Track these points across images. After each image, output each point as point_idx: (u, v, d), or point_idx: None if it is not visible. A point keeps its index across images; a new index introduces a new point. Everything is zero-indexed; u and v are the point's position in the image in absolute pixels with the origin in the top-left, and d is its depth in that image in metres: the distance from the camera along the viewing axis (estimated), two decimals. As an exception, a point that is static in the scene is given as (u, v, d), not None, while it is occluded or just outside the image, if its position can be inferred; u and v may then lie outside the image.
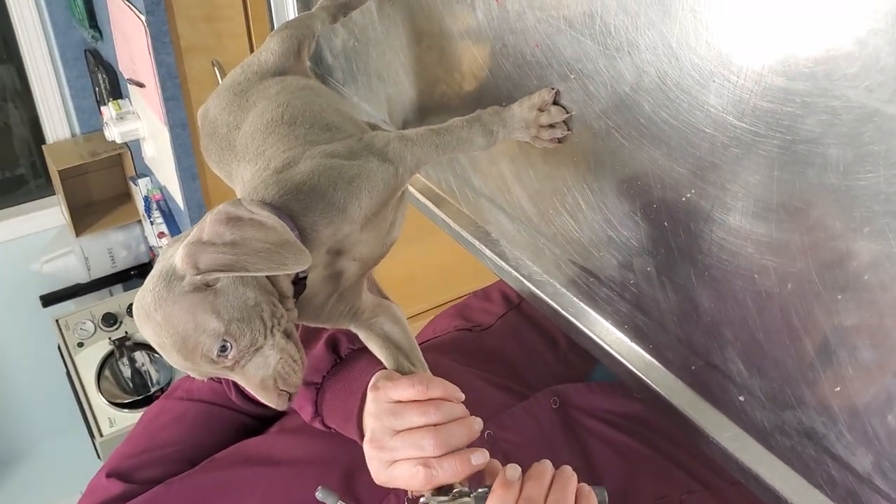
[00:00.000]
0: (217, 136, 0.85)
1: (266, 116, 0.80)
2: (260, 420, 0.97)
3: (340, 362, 0.88)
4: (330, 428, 0.85)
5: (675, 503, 0.94)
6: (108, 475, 0.89)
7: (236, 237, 0.61)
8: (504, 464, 0.73)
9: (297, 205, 0.68)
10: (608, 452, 0.95)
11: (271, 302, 0.65)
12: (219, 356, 0.63)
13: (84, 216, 2.81)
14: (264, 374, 0.65)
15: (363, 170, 0.72)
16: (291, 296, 0.69)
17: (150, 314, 0.62)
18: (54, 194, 2.88)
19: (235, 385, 0.93)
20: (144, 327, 0.64)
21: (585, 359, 1.08)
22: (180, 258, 0.61)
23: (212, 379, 0.95)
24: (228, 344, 0.62)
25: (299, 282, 0.70)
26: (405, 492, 0.76)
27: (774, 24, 0.58)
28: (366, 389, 0.80)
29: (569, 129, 0.81)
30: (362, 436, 0.79)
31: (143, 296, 0.63)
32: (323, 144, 0.75)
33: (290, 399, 0.66)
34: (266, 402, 0.66)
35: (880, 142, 0.55)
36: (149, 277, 0.64)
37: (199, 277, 0.61)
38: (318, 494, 0.75)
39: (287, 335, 0.66)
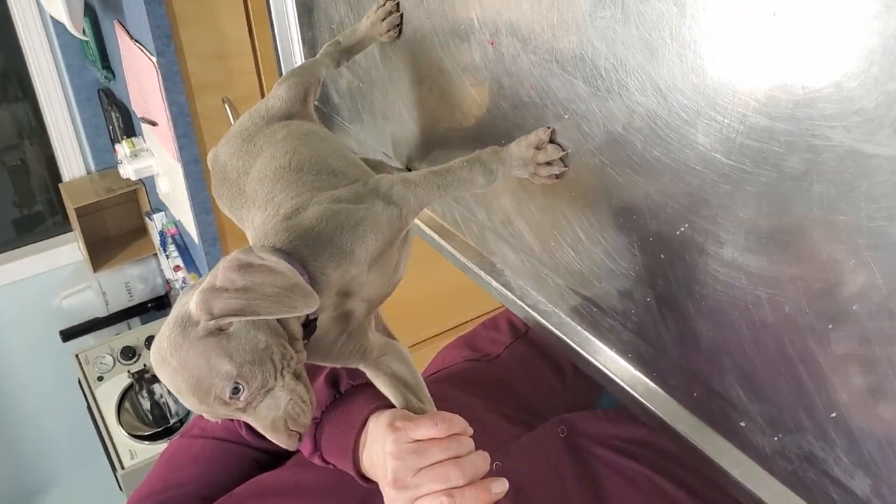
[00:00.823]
0: (228, 181, 0.89)
1: (274, 163, 0.84)
2: (273, 455, 0.99)
3: (339, 398, 0.90)
4: (328, 463, 0.87)
5: None
6: None
7: (248, 283, 0.64)
8: (514, 494, 0.75)
9: (305, 250, 0.72)
10: (617, 479, 0.97)
11: (282, 344, 0.68)
12: (231, 398, 0.65)
13: (101, 251, 2.86)
14: (275, 414, 0.67)
15: (369, 213, 0.75)
16: (301, 338, 0.71)
17: (166, 359, 0.65)
18: (71, 231, 2.93)
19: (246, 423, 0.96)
20: (161, 372, 0.67)
21: (592, 386, 1.10)
22: (195, 304, 0.64)
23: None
24: (240, 386, 0.65)
25: (310, 323, 0.73)
26: None
27: (756, 66, 0.61)
28: (363, 425, 0.82)
29: (566, 167, 0.83)
30: (358, 471, 0.81)
31: (160, 341, 0.66)
32: (329, 190, 0.78)
33: (300, 439, 0.69)
34: (277, 442, 0.68)
35: (860, 178, 0.57)
36: (165, 324, 0.67)
37: (212, 322, 0.64)
38: None
39: (297, 376, 0.69)
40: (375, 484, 0.80)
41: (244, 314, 0.63)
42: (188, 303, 0.66)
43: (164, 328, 0.67)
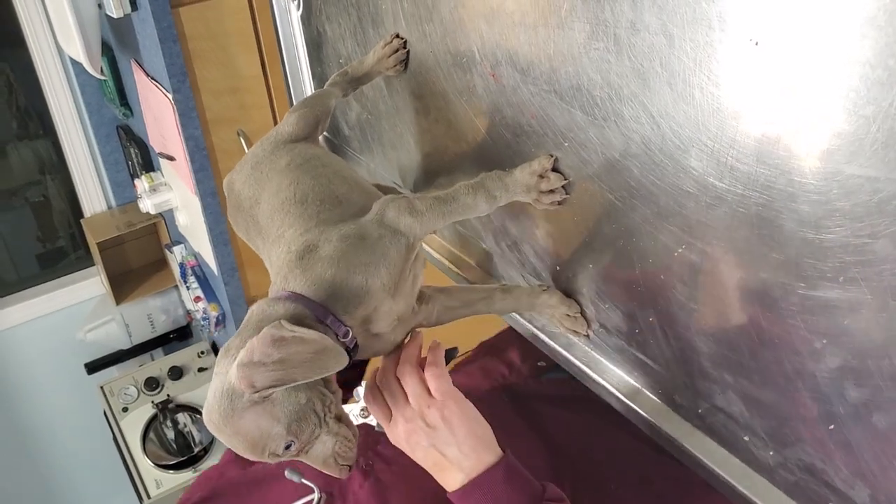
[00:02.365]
0: (242, 209, 0.94)
1: (280, 196, 0.88)
2: None
3: None
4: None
5: (624, 455, 1.05)
6: None
7: (283, 355, 0.69)
8: None
9: (325, 293, 0.77)
10: (561, 426, 1.04)
11: (320, 392, 0.75)
12: (284, 452, 0.73)
13: (123, 284, 2.91)
14: (325, 455, 0.75)
15: (377, 248, 0.80)
16: (334, 379, 0.78)
17: (220, 428, 0.73)
18: (94, 265, 2.99)
19: None
20: (217, 436, 0.74)
21: (539, 371, 1.16)
22: (237, 380, 0.69)
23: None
24: (292, 442, 0.73)
25: (350, 351, 0.79)
26: (364, 457, 0.95)
27: (741, 93, 0.63)
28: None
29: (567, 194, 0.86)
30: None
31: (211, 413, 0.73)
32: (336, 223, 0.82)
33: (350, 469, 0.76)
34: (330, 474, 0.76)
35: (844, 199, 0.59)
36: (212, 394, 0.73)
37: (256, 395, 0.70)
38: (287, 473, 0.92)
39: (338, 419, 0.76)
40: None
41: (284, 383, 0.69)
42: (229, 373, 0.71)
43: (212, 399, 0.73)
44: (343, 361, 0.71)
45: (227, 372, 0.71)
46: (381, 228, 0.81)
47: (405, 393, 0.85)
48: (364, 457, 0.96)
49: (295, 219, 0.84)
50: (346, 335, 0.77)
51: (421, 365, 0.86)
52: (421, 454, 0.85)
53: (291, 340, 0.69)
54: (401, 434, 0.85)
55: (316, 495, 0.92)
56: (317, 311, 0.75)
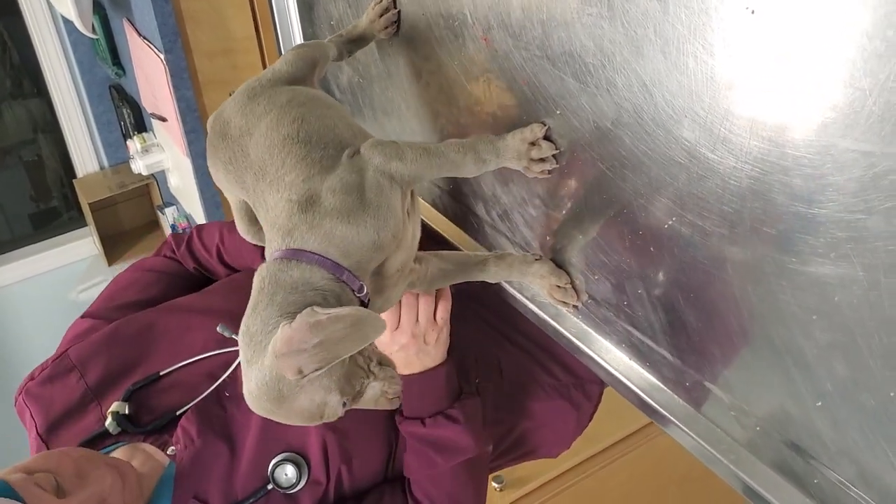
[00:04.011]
0: (228, 136, 0.89)
1: (282, 130, 0.84)
2: (198, 286, 1.19)
3: None
4: None
5: (493, 357, 1.20)
6: (83, 317, 1.13)
7: (321, 337, 0.68)
8: None
9: (336, 251, 0.76)
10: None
11: None
12: (342, 410, 0.73)
13: (115, 246, 2.90)
14: (375, 396, 0.76)
15: (381, 199, 0.79)
16: None
17: (273, 411, 0.72)
18: (86, 226, 2.97)
19: (192, 256, 1.23)
20: (268, 416, 0.74)
21: None
22: (282, 369, 0.69)
23: (165, 256, 1.24)
24: (346, 401, 0.73)
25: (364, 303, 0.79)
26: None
27: (736, 63, 0.61)
28: None
29: (557, 163, 0.84)
30: None
31: (259, 399, 0.72)
32: (337, 170, 0.81)
33: (399, 400, 0.78)
34: (384, 409, 0.78)
35: (838, 173, 0.58)
36: (254, 384, 0.72)
37: (305, 379, 0.69)
38: (219, 329, 0.99)
39: (380, 363, 0.77)
40: None
41: (330, 363, 0.69)
42: (266, 363, 0.70)
43: (257, 389, 0.71)
44: (381, 327, 0.71)
45: (260, 361, 0.71)
46: (379, 175, 0.80)
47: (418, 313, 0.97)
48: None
49: (297, 161, 0.81)
50: (360, 290, 0.77)
51: None
52: (402, 356, 0.99)
53: (327, 322, 0.68)
54: (400, 340, 0.98)
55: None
56: (333, 269, 0.75)
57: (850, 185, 0.57)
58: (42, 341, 3.04)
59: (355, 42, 1.06)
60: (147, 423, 0.96)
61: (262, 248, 1.09)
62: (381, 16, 1.03)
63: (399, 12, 1.03)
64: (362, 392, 0.75)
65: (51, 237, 3.02)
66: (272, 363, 0.69)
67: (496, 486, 1.91)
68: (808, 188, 0.61)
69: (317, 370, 0.68)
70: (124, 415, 0.95)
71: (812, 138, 0.58)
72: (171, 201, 2.69)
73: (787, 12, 0.57)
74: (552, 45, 0.78)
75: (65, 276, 2.99)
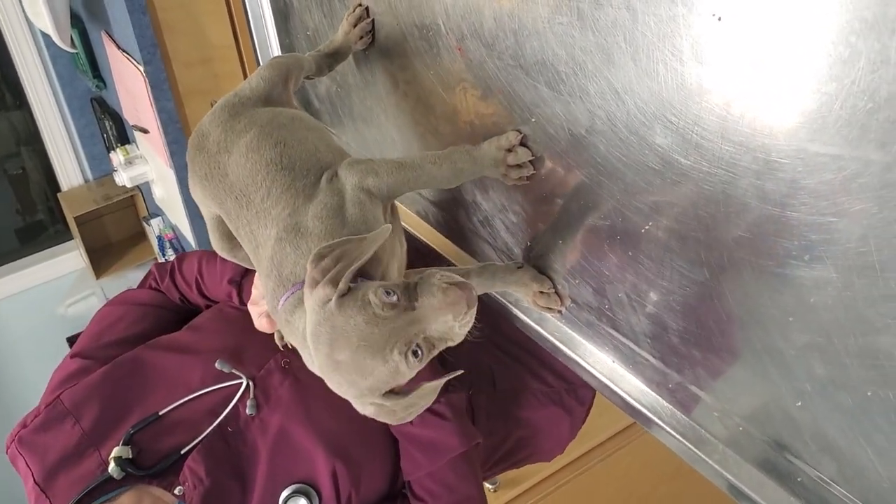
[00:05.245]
0: (205, 150, 0.89)
1: (264, 154, 0.85)
2: (184, 320, 1.17)
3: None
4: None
5: (486, 367, 1.20)
6: (72, 356, 1.09)
7: (337, 253, 0.73)
8: None
9: None
10: None
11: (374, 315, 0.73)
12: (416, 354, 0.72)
13: (102, 258, 2.89)
14: (445, 327, 0.73)
15: (366, 215, 0.80)
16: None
17: (338, 367, 0.72)
18: (72, 239, 2.96)
19: (176, 289, 1.21)
20: (339, 377, 0.73)
21: None
22: (323, 289, 0.72)
23: (151, 287, 1.22)
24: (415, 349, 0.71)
25: None
26: (282, 354, 1.02)
27: (705, 69, 0.62)
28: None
29: (535, 169, 0.85)
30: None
31: (329, 346, 0.72)
32: (319, 195, 0.82)
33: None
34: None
35: (809, 176, 0.58)
36: (309, 335, 0.74)
37: (342, 286, 0.71)
38: (217, 364, 0.99)
39: (411, 296, 0.73)
40: None
41: (354, 264, 0.72)
42: (312, 305, 0.73)
43: (316, 339, 0.73)
44: (387, 231, 0.74)
45: (309, 308, 0.73)
46: (357, 192, 0.81)
47: None
48: (282, 354, 1.03)
49: (282, 191, 0.82)
50: None
51: None
52: None
53: (338, 244, 0.73)
54: None
55: (244, 383, 0.99)
56: None
57: (822, 188, 0.58)
58: (30, 355, 3.04)
59: (333, 56, 1.06)
60: (151, 465, 0.93)
61: (238, 278, 1.14)
62: (356, 25, 1.03)
63: (373, 21, 1.03)
64: (425, 327, 0.71)
65: (37, 251, 3.01)
66: (309, 300, 0.72)
67: (490, 486, 1.92)
68: (780, 192, 0.61)
69: (346, 278, 0.71)
70: (127, 459, 0.93)
71: (782, 142, 0.59)
72: (156, 212, 2.69)
73: (753, 19, 0.57)
74: (525, 54, 0.79)
75: (52, 291, 2.98)
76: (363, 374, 0.71)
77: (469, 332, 0.74)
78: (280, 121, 0.89)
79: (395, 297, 0.71)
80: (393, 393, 0.74)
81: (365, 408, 0.75)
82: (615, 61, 0.69)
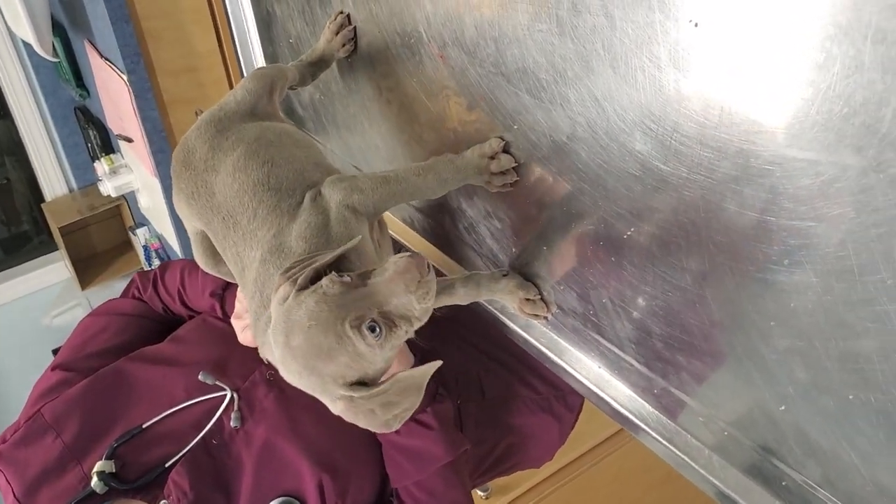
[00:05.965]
0: (192, 167, 0.88)
1: (251, 175, 0.84)
2: (168, 330, 1.15)
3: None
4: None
5: (474, 375, 1.19)
6: (53, 368, 1.07)
7: (307, 265, 0.72)
8: None
9: None
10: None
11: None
12: (372, 329, 0.69)
13: (88, 269, 2.87)
14: (402, 301, 0.70)
15: (347, 232, 0.79)
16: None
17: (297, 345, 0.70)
18: (57, 250, 2.94)
19: (159, 298, 1.20)
20: (305, 370, 0.71)
21: None
22: (283, 290, 0.71)
23: (134, 297, 1.21)
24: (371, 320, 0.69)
25: None
26: (266, 366, 1.01)
27: (683, 75, 0.62)
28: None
29: (518, 177, 0.85)
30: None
31: (307, 354, 0.70)
32: (303, 215, 0.81)
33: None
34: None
35: (787, 182, 0.59)
36: (281, 328, 0.72)
37: (301, 281, 0.70)
38: (200, 377, 0.98)
39: (363, 276, 0.72)
40: None
41: (315, 264, 0.71)
42: (274, 306, 0.72)
43: (275, 334, 0.72)
44: (357, 239, 0.75)
45: (282, 306, 0.71)
46: (343, 209, 0.80)
47: None
48: (266, 366, 1.01)
49: (268, 212, 0.81)
50: None
51: None
52: None
53: (307, 259, 0.73)
54: None
55: (228, 394, 0.99)
56: None
57: (800, 193, 0.58)
58: (15, 367, 3.02)
59: (317, 64, 1.06)
60: (134, 478, 0.92)
61: (220, 291, 1.14)
62: (338, 33, 1.03)
63: (355, 29, 1.03)
64: (382, 305, 0.69)
65: (22, 262, 2.99)
66: (275, 299, 0.71)
67: (482, 494, 1.92)
68: (759, 197, 0.61)
69: (309, 276, 0.70)
70: (110, 473, 0.91)
71: (760, 148, 0.59)
72: (142, 222, 2.67)
73: (729, 25, 0.57)
74: (506, 61, 0.79)
75: (37, 302, 2.96)
76: (320, 356, 0.68)
77: (436, 310, 0.75)
78: (268, 137, 0.88)
79: (346, 278, 0.69)
80: (363, 385, 0.70)
81: (335, 404, 0.71)
82: (594, 68, 0.69)
